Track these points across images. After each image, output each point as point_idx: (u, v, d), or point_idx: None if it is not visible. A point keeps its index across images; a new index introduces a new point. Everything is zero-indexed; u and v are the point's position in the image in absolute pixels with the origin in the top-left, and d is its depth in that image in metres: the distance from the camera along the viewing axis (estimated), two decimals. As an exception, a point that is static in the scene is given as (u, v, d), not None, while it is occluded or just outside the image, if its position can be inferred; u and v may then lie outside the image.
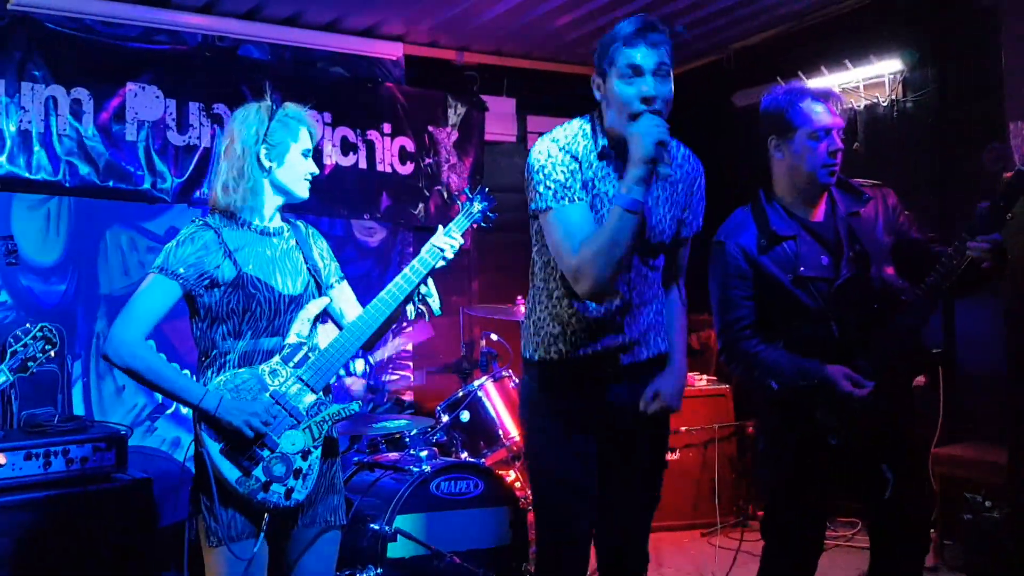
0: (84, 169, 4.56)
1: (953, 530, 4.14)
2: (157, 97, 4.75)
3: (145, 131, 4.72)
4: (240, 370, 2.35)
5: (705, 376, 5.27)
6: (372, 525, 3.52)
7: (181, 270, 2.33)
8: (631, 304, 2.42)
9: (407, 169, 5.57)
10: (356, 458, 4.06)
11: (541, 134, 2.42)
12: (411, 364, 5.67)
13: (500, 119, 6.01)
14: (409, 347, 5.63)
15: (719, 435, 5.03)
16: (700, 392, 5.13)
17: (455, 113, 5.78)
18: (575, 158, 2.33)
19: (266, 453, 2.29)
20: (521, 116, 6.14)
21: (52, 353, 2.56)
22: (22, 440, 3.37)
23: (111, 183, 4.64)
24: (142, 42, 4.82)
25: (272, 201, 2.49)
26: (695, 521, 4.98)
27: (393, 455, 3.97)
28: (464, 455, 4.14)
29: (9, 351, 2.55)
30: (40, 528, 3.30)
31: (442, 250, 2.52)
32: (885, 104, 4.95)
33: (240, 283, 2.36)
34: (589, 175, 2.35)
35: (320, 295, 2.52)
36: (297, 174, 2.48)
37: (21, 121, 4.40)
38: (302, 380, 2.39)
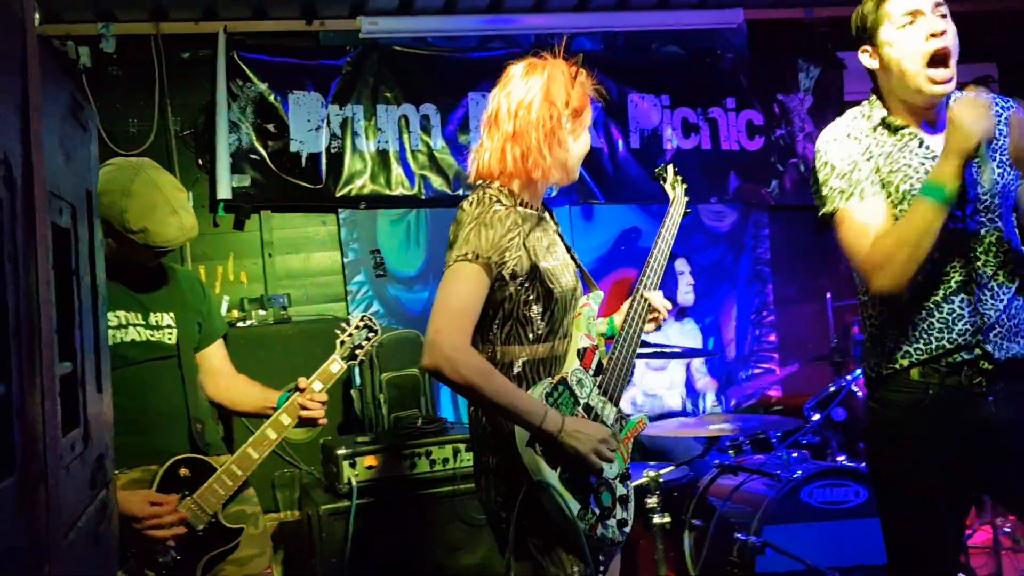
0: (437, 181, 4.77)
1: None
2: (498, 103, 4.83)
3: (487, 138, 4.81)
4: (555, 380, 1.98)
5: None
6: (738, 535, 3.25)
7: (492, 256, 1.90)
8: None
9: (756, 144, 5.15)
10: (716, 459, 3.75)
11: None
12: (776, 356, 5.21)
13: (862, 76, 5.31)
14: (772, 338, 5.17)
15: None
16: None
17: (807, 77, 5.24)
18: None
19: (593, 480, 1.96)
20: (886, 69, 5.40)
21: (375, 341, 2.64)
22: (390, 442, 3.50)
23: (463, 192, 4.78)
24: (479, 51, 4.93)
25: (552, 180, 2.09)
26: None
27: (758, 457, 3.69)
28: (841, 459, 3.66)
29: (337, 341, 2.64)
30: (405, 527, 3.38)
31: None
32: None
33: (536, 276, 1.98)
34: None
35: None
36: (582, 154, 2.10)
37: (379, 142, 4.69)
38: (604, 390, 2.05)
